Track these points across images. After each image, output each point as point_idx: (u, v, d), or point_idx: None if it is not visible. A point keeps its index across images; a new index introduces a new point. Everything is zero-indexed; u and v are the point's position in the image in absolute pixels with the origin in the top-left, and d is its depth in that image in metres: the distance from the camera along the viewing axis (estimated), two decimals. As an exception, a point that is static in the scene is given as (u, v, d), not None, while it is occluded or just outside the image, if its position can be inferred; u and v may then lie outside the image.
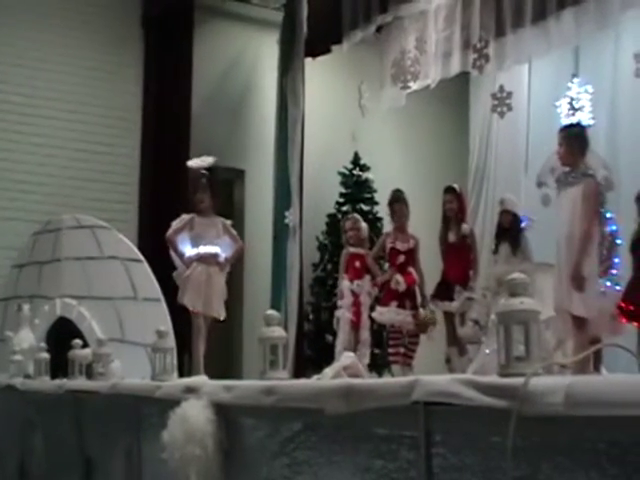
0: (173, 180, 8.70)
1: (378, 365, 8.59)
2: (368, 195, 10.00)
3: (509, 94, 9.43)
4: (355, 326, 7.28)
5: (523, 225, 7.23)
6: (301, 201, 9.03)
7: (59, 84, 8.97)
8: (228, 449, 2.86)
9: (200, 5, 9.52)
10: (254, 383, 2.92)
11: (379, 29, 8.84)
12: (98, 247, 7.27)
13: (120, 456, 3.88)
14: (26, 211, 8.51)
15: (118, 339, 6.69)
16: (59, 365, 5.40)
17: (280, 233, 8.97)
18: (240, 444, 2.82)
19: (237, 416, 2.86)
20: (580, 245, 5.17)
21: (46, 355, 5.66)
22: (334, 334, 7.59)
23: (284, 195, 9.01)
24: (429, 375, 2.04)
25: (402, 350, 7.04)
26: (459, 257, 7.12)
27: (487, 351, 6.41)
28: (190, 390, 3.08)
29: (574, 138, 5.51)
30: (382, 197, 8.55)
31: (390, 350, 7.20)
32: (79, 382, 4.81)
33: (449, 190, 7.25)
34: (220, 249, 6.68)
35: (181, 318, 6.77)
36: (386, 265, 7.65)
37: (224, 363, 9.06)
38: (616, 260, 6.25)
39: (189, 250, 6.62)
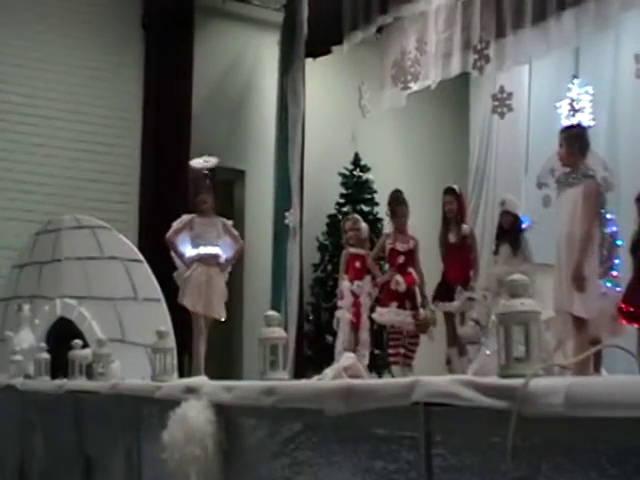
0: (173, 180, 8.72)
1: (378, 366, 8.60)
2: (368, 196, 10.01)
3: (509, 95, 9.43)
4: (355, 327, 7.28)
5: (525, 226, 7.22)
6: (301, 202, 9.04)
7: (59, 84, 8.97)
8: (228, 449, 2.86)
9: (200, 5, 9.52)
10: (254, 383, 2.92)
11: (379, 30, 8.85)
12: (98, 247, 7.27)
13: (120, 456, 3.87)
14: (26, 211, 8.50)
15: (118, 339, 6.70)
16: (59, 365, 5.40)
17: (280, 234, 8.98)
18: (240, 444, 2.82)
19: (237, 416, 2.86)
20: (580, 246, 5.17)
21: (46, 355, 5.66)
22: (334, 335, 7.59)
23: (284, 196, 9.02)
24: (429, 376, 2.04)
25: (402, 351, 7.04)
26: (459, 258, 7.12)
27: (488, 352, 6.40)
28: (190, 390, 3.08)
29: (574, 139, 5.50)
30: (382, 198, 8.55)
31: (390, 351, 7.20)
32: (79, 382, 4.80)
33: (449, 191, 7.25)
34: (220, 249, 6.69)
35: (181, 318, 6.78)
36: (386, 266, 7.65)
37: (224, 363, 9.07)
38: (616, 261, 6.24)
39: (189, 251, 6.63)
